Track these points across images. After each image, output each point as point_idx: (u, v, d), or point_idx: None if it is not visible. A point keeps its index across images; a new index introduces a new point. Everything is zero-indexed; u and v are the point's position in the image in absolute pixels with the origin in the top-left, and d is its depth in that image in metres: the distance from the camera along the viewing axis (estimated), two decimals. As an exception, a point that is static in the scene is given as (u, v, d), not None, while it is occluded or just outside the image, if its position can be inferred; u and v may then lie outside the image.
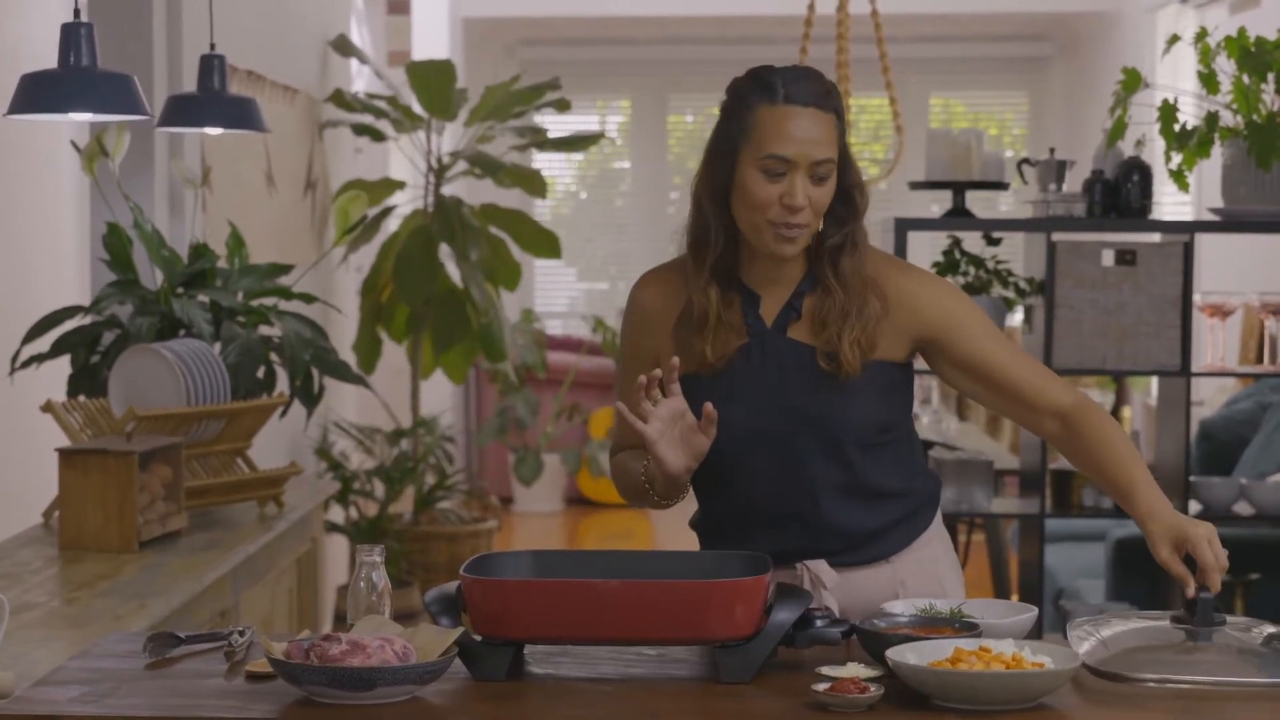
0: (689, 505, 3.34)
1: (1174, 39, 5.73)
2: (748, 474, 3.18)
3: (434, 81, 8.24)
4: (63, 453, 4.44)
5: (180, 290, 5.24)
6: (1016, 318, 6.20)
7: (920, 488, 3.28)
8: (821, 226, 3.17)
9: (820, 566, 3.16)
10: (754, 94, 3.13)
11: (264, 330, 5.45)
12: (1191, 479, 5.81)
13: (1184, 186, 5.65)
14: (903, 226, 5.84)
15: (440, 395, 10.50)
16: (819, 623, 2.84)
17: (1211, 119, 5.56)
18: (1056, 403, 3.21)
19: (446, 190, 8.46)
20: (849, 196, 3.17)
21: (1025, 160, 5.90)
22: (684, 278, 3.22)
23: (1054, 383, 3.23)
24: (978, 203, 6.37)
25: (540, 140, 8.60)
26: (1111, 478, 3.14)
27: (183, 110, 5.09)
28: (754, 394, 3.17)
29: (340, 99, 8.09)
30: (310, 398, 5.41)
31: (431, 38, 11.03)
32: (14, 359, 5.15)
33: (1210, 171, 6.26)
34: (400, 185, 8.52)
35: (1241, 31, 5.59)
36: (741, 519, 3.22)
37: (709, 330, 3.16)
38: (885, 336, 3.18)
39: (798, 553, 3.18)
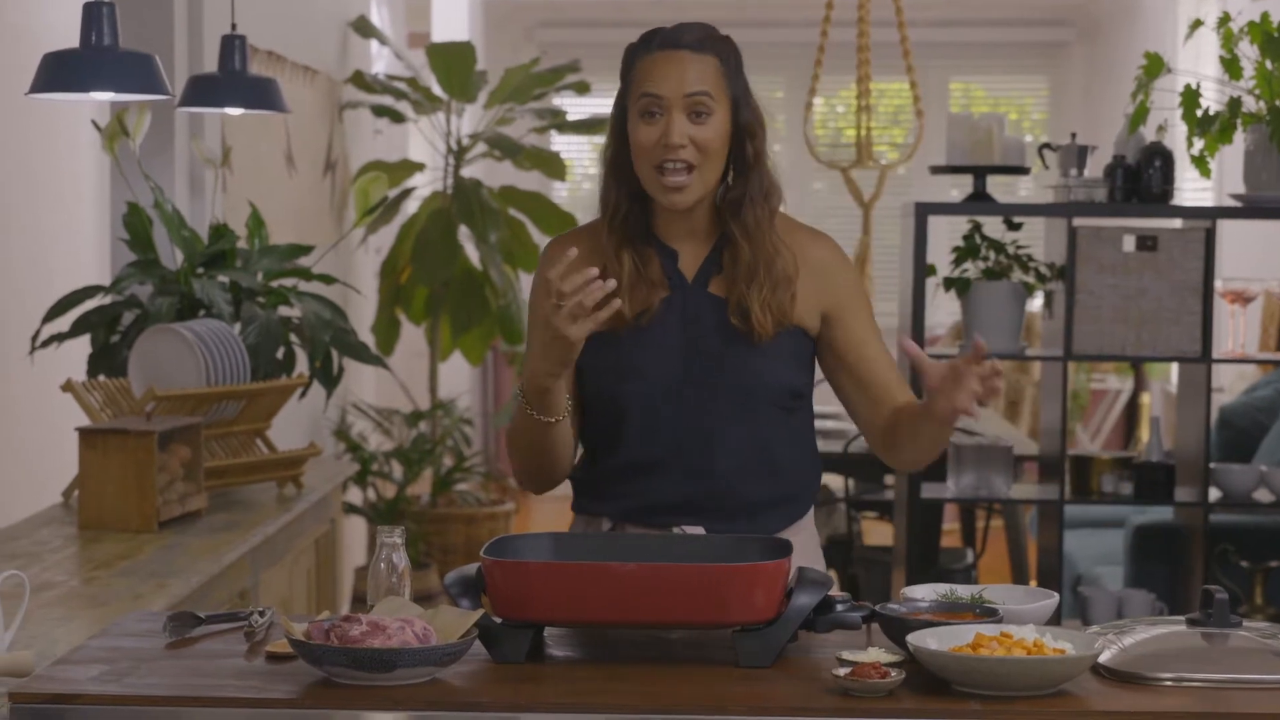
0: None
1: (1196, 24, 5.71)
2: (653, 424, 3.18)
3: (454, 63, 8.23)
4: (82, 432, 4.45)
5: (200, 270, 5.24)
6: (1036, 303, 6.19)
7: (809, 471, 3.30)
8: (718, 176, 3.17)
9: (696, 533, 3.16)
10: (635, 51, 3.20)
11: (284, 311, 5.45)
12: (1211, 466, 5.79)
13: (1206, 172, 5.63)
14: (923, 211, 5.83)
15: (458, 377, 10.51)
16: (839, 607, 2.83)
17: (1234, 104, 5.55)
18: (899, 402, 3.22)
19: (466, 172, 8.46)
20: (742, 144, 3.18)
21: (1046, 145, 5.89)
22: (598, 241, 3.22)
23: (903, 384, 3.27)
24: (998, 187, 6.35)
25: (559, 122, 8.60)
26: (912, 410, 3.14)
27: (203, 90, 5.09)
28: (671, 345, 3.18)
29: (360, 80, 8.09)
30: (329, 379, 5.41)
31: (451, 19, 11.02)
32: (34, 338, 5.16)
33: (1232, 157, 6.24)
34: (420, 167, 8.52)
35: (1264, 17, 5.56)
36: (633, 470, 3.20)
37: (624, 290, 3.14)
38: (799, 301, 3.20)
39: (678, 508, 3.17)
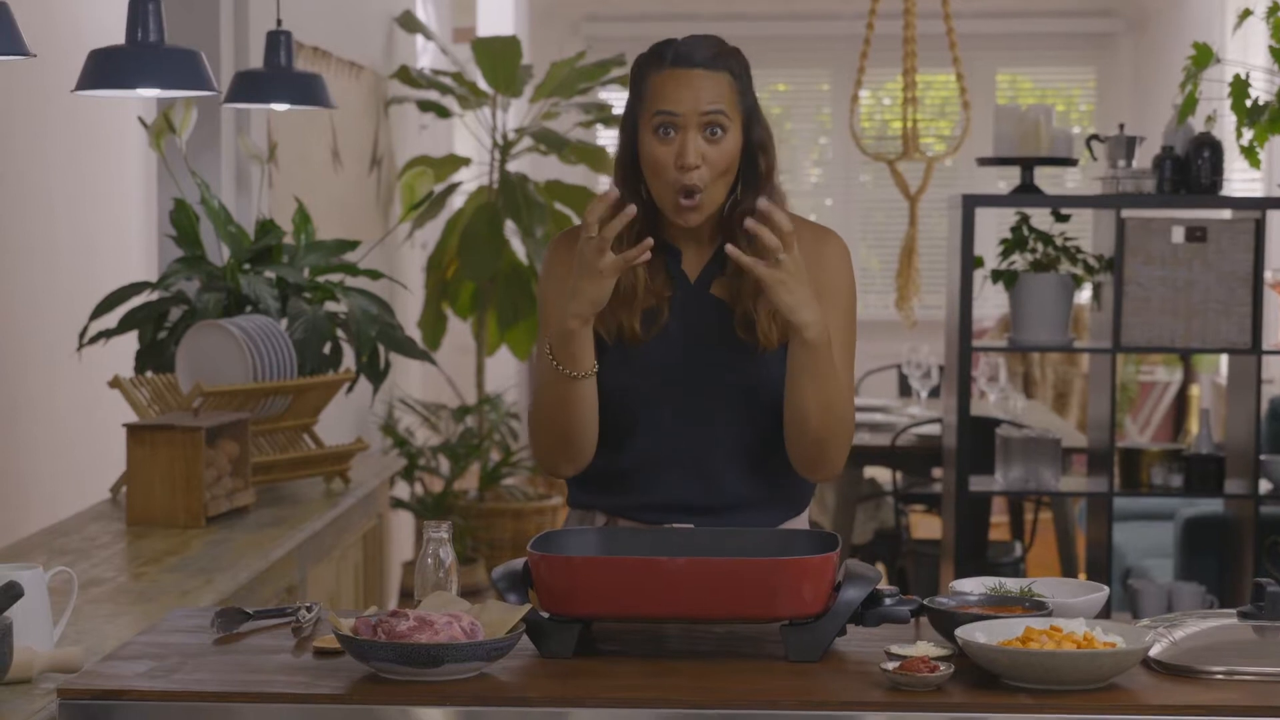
0: None
1: (1246, 14, 5.68)
2: (653, 424, 3.17)
3: (499, 58, 8.23)
4: (130, 428, 4.46)
5: (247, 266, 5.25)
6: (1084, 295, 6.16)
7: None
8: (728, 191, 3.15)
9: (686, 529, 3.15)
10: (646, 64, 3.17)
11: (330, 306, 5.46)
12: (1261, 458, 5.76)
13: (1255, 163, 5.60)
14: (970, 203, 5.81)
15: (505, 372, 10.51)
16: (888, 601, 2.82)
17: (1283, 95, 5.52)
18: None
19: (511, 167, 8.46)
20: (754, 159, 3.16)
21: (1094, 136, 5.86)
22: None
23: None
24: (1045, 179, 6.32)
25: (605, 116, 8.58)
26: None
27: (249, 86, 5.10)
28: (673, 345, 3.17)
29: (406, 75, 8.10)
30: (376, 374, 5.41)
31: (497, 14, 11.03)
32: (82, 334, 5.17)
33: (1282, 148, 6.21)
34: (465, 162, 8.52)
35: (1314, 6, 5.53)
36: (631, 469, 3.19)
37: (637, 303, 3.15)
38: None
39: (674, 507, 3.16)
